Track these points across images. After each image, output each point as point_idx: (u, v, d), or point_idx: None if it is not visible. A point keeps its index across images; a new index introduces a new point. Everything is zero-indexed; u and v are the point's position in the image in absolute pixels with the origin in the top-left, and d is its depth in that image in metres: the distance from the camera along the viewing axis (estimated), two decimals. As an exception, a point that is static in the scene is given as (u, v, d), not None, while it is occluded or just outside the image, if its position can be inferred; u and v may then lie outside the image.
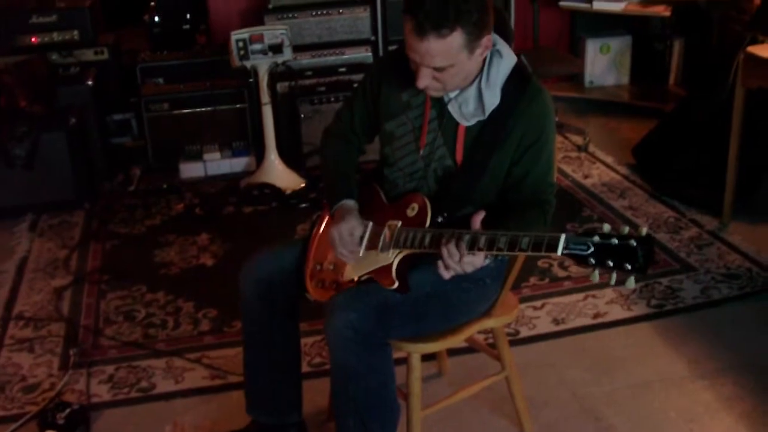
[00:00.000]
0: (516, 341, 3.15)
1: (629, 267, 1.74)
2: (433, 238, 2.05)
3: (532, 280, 3.57)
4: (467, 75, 2.12)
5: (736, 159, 3.84)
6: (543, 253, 1.84)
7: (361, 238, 2.23)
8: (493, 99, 2.14)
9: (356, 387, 2.14)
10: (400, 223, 2.17)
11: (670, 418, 2.74)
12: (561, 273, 3.59)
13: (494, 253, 1.93)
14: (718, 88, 4.15)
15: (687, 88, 5.44)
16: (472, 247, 1.94)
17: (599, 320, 3.28)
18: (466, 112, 2.17)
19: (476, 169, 2.17)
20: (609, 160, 4.87)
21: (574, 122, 5.41)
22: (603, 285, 3.36)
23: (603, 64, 5.89)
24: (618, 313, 3.32)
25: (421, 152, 2.25)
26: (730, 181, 3.89)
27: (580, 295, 3.44)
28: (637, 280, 1.75)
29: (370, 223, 2.23)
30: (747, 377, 2.89)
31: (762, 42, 3.84)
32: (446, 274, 2.01)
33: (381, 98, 2.31)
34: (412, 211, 2.18)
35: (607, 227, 1.79)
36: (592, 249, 1.78)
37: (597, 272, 1.80)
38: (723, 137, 3.89)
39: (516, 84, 2.16)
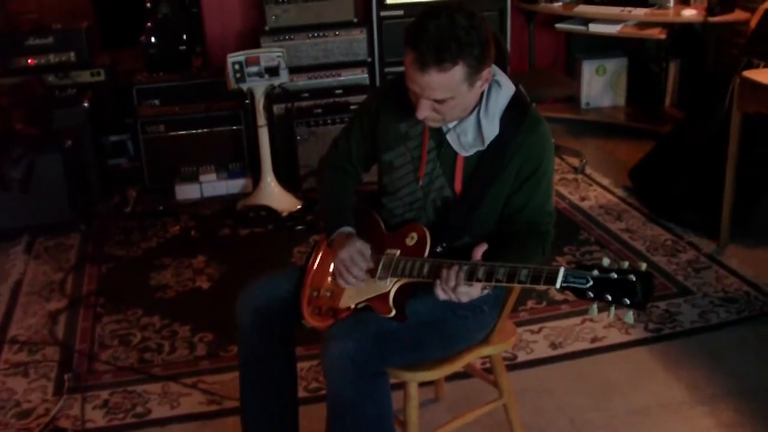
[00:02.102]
0: (514, 366, 3.13)
1: (628, 302, 1.74)
2: (431, 268, 2.04)
3: (530, 303, 3.56)
4: (466, 107, 2.12)
5: (733, 182, 3.84)
6: (541, 286, 1.84)
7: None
8: (492, 129, 2.14)
9: (353, 417, 2.12)
10: (398, 252, 2.16)
11: (668, 445, 2.73)
12: (558, 296, 3.58)
13: (493, 284, 1.92)
14: (714, 111, 4.17)
15: (683, 111, 5.46)
16: (471, 277, 1.94)
17: (597, 344, 3.27)
18: (464, 142, 2.17)
19: (475, 199, 2.17)
20: (606, 182, 4.87)
21: (571, 144, 5.42)
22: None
23: (599, 85, 5.91)
24: (616, 337, 3.31)
25: (420, 182, 2.24)
26: (727, 204, 3.89)
27: (578, 319, 3.43)
28: (636, 315, 1.75)
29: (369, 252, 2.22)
30: (746, 403, 2.88)
31: (757, 66, 3.86)
32: (442, 296, 2.00)
33: (379, 129, 2.31)
34: (411, 240, 2.18)
35: (606, 261, 1.79)
36: (591, 283, 1.78)
37: (596, 306, 1.79)
38: (719, 160, 3.89)
39: (515, 114, 2.16)
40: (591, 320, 3.40)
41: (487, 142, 2.15)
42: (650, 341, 3.28)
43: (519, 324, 3.38)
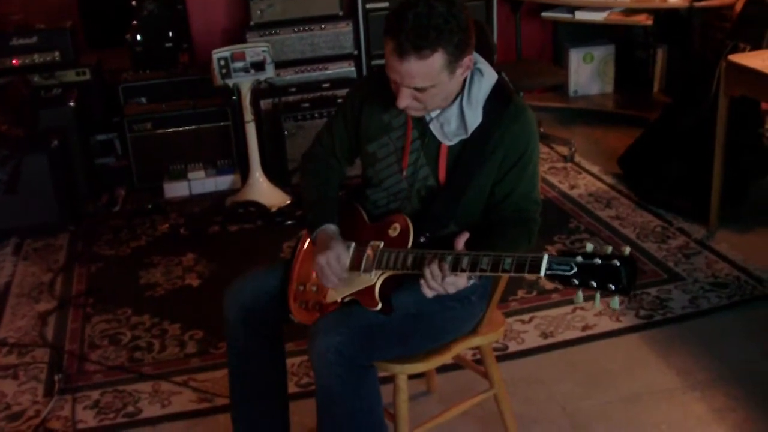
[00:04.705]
0: (504, 356, 3.13)
1: (613, 287, 1.73)
2: (415, 259, 2.03)
3: (520, 293, 3.55)
4: (448, 95, 2.11)
5: (722, 167, 3.84)
6: (526, 274, 1.83)
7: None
8: (475, 118, 2.13)
9: (342, 410, 2.11)
10: (382, 244, 2.15)
11: (661, 431, 2.72)
12: (549, 285, 3.57)
13: (477, 274, 1.91)
14: (701, 96, 4.16)
15: (671, 96, 5.45)
16: (455, 268, 1.93)
17: (588, 333, 3.27)
18: (448, 131, 2.15)
19: (460, 188, 2.16)
20: (595, 169, 4.86)
21: (560, 133, 5.40)
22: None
23: (587, 73, 5.90)
24: (606, 324, 3.30)
25: (405, 173, 2.23)
26: (716, 189, 3.89)
27: (569, 308, 3.42)
28: (621, 300, 1.74)
29: (353, 244, 2.21)
30: (738, 388, 2.88)
31: (743, 50, 3.85)
32: (429, 294, 1.99)
33: (362, 120, 2.29)
34: (394, 231, 2.16)
35: (590, 247, 1.78)
36: (576, 269, 1.77)
37: (581, 293, 1.79)
38: (708, 145, 3.89)
39: (498, 102, 2.15)
40: (582, 308, 3.40)
41: (471, 130, 2.14)
42: (641, 328, 3.28)
43: (509, 314, 3.38)
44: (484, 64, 2.17)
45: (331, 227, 2.25)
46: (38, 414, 2.97)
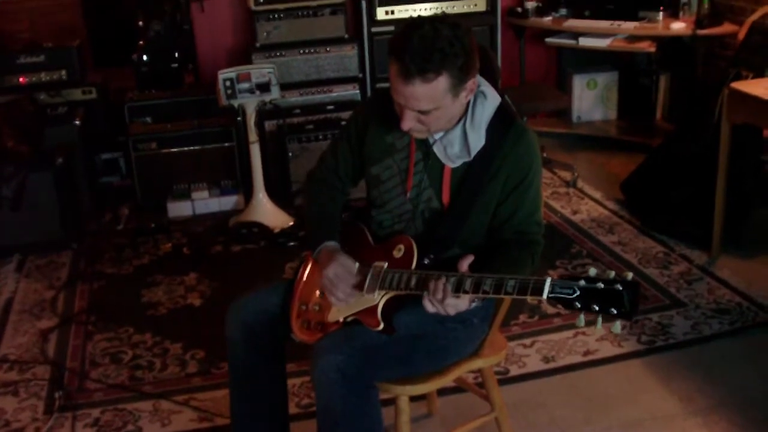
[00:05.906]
0: (506, 380, 3.12)
1: (615, 311, 1.74)
2: (419, 280, 2.04)
3: (522, 317, 3.55)
4: (451, 117, 2.13)
5: (724, 193, 3.84)
6: (528, 297, 1.83)
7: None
8: (478, 140, 2.15)
9: (343, 430, 2.11)
10: (386, 264, 2.16)
11: (662, 457, 2.72)
12: (551, 310, 3.57)
13: (480, 296, 1.92)
14: (704, 123, 4.18)
15: (674, 123, 5.47)
16: (458, 289, 1.94)
17: (589, 357, 3.26)
18: (451, 153, 2.17)
19: (463, 210, 2.17)
20: (597, 195, 4.87)
21: (562, 158, 5.42)
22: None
23: (590, 99, 5.92)
24: (608, 350, 3.30)
25: (409, 195, 2.24)
26: (718, 216, 3.90)
27: (570, 332, 3.42)
28: (623, 325, 1.74)
29: (357, 264, 2.22)
30: (740, 414, 2.87)
31: (746, 77, 3.87)
32: (430, 308, 2.00)
33: (366, 142, 2.31)
34: (398, 252, 2.17)
35: (593, 271, 1.79)
36: (578, 293, 1.78)
37: (583, 316, 1.79)
38: (710, 171, 3.90)
39: (500, 125, 2.16)
40: (583, 333, 3.39)
41: (474, 153, 2.15)
42: (643, 353, 3.27)
43: (511, 338, 3.37)
44: (487, 87, 2.19)
45: (332, 244, 2.27)
46: (38, 431, 2.96)
